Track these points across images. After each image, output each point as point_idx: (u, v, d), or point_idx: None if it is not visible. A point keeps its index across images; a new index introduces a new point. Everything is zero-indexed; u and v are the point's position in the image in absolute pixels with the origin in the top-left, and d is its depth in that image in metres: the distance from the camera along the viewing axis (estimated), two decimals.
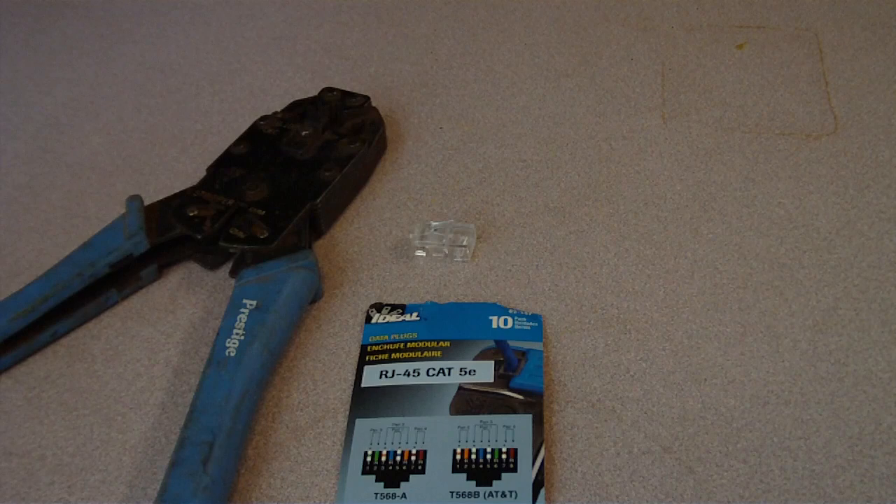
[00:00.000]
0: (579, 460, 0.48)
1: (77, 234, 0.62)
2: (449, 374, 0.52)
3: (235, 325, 0.52)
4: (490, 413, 0.50)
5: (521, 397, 0.50)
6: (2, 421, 0.52)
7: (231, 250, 0.57)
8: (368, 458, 0.48)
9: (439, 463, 0.48)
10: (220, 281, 0.59)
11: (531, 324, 0.54)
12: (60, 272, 0.55)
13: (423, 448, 0.48)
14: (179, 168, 0.67)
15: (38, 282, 0.54)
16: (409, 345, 0.54)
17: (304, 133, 0.63)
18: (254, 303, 0.53)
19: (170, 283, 0.59)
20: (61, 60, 0.79)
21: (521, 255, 0.59)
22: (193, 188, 0.60)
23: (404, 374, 0.52)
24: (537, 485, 0.46)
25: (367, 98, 0.67)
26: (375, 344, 0.54)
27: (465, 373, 0.52)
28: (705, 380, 0.52)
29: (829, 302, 0.55)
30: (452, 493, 0.46)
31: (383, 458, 0.48)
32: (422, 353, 0.53)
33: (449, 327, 0.54)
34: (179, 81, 0.75)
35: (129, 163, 0.68)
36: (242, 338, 0.51)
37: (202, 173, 0.62)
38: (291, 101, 0.68)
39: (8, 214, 0.64)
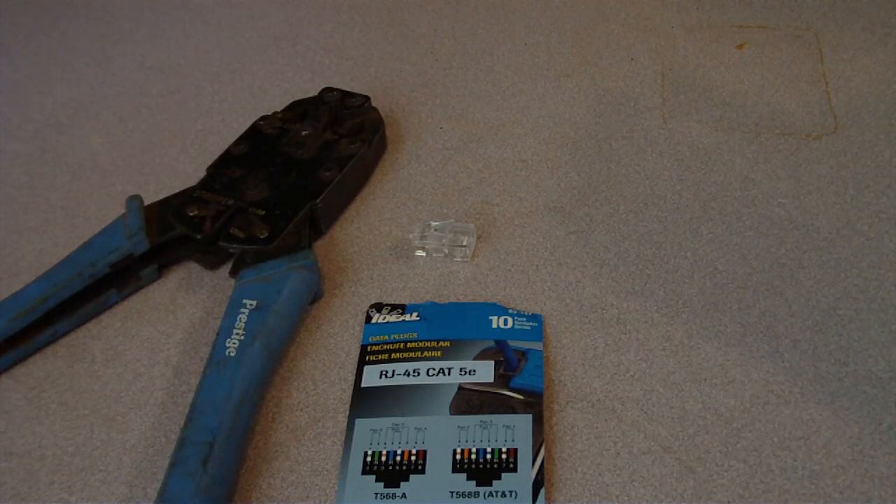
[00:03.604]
0: (579, 460, 0.48)
1: (77, 234, 0.62)
2: (449, 374, 0.52)
3: (235, 325, 0.52)
4: (490, 413, 0.50)
5: (521, 397, 0.50)
6: (2, 421, 0.52)
7: (231, 250, 0.57)
8: (368, 458, 0.48)
9: (439, 463, 0.48)
10: (220, 281, 0.59)
11: (531, 324, 0.54)
12: (60, 272, 0.55)
13: (423, 448, 0.48)
14: (179, 168, 0.67)
15: (38, 282, 0.54)
16: (409, 345, 0.54)
17: (304, 133, 0.63)
18: (254, 303, 0.53)
19: (170, 283, 0.59)
20: (61, 60, 0.79)
21: (521, 255, 0.59)
22: (193, 188, 0.60)
23: (404, 374, 0.52)
24: (537, 485, 0.46)
25: (367, 98, 0.67)
26: (375, 344, 0.54)
27: (465, 373, 0.52)
28: (705, 380, 0.52)
29: (829, 302, 0.55)
30: (452, 493, 0.46)
31: (383, 458, 0.48)
32: (422, 353, 0.53)
33: (449, 327, 0.54)
34: (179, 81, 0.75)
35: (129, 163, 0.68)
36: (242, 338, 0.51)
37: (202, 173, 0.62)
38: (291, 101, 0.68)
39: (8, 214, 0.64)
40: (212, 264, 0.59)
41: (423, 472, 0.47)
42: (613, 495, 0.47)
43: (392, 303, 0.57)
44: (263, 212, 0.58)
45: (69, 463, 0.50)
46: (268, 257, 0.55)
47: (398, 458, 0.48)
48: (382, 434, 0.49)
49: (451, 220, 0.60)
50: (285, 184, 0.60)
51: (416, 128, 0.69)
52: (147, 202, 0.59)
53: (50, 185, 0.67)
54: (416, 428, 0.49)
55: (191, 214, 0.57)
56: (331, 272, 0.59)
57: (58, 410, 0.52)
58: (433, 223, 0.60)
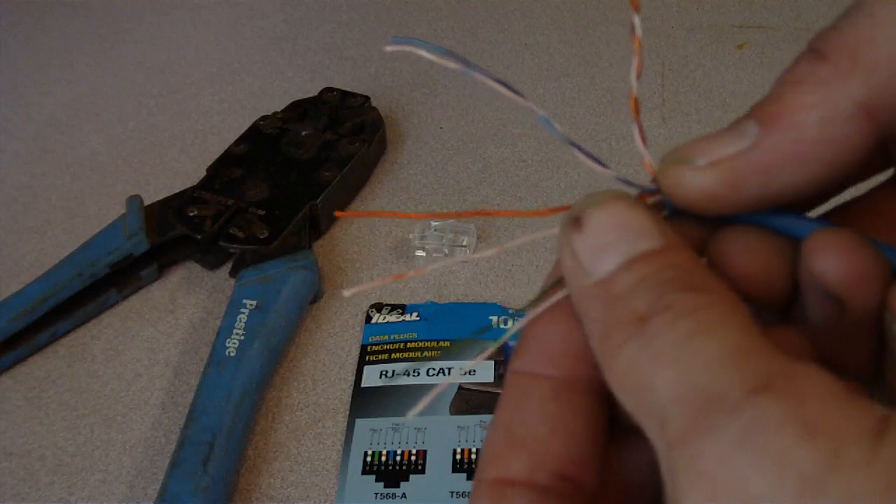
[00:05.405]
0: None
1: (77, 234, 0.62)
2: (449, 374, 0.52)
3: (235, 325, 0.52)
4: (490, 413, 0.50)
5: None
6: (2, 421, 0.52)
7: (231, 250, 0.57)
8: (368, 458, 0.48)
9: (439, 463, 0.48)
10: (220, 281, 0.59)
11: None
12: (60, 272, 0.55)
13: (423, 448, 0.48)
14: (179, 168, 0.67)
15: (38, 282, 0.54)
16: (409, 345, 0.54)
17: (304, 133, 0.63)
18: (254, 303, 0.53)
19: (170, 283, 0.59)
20: (61, 60, 0.79)
21: (521, 255, 0.59)
22: (193, 188, 0.60)
23: (404, 374, 0.52)
24: None
25: (367, 98, 0.67)
26: (375, 344, 0.54)
27: (465, 373, 0.52)
28: None
29: None
30: (452, 493, 0.46)
31: (383, 458, 0.48)
32: (422, 353, 0.53)
33: (449, 327, 0.54)
34: (179, 81, 0.75)
35: (129, 163, 0.68)
36: (242, 338, 0.51)
37: (202, 173, 0.62)
38: (291, 101, 0.68)
39: (8, 214, 0.64)
40: (212, 264, 0.59)
41: (423, 472, 0.47)
42: None
43: (392, 303, 0.57)
44: (263, 212, 0.58)
45: (69, 463, 0.50)
46: (268, 257, 0.55)
47: (398, 458, 0.48)
48: (382, 434, 0.49)
49: (452, 220, 0.60)
50: (285, 184, 0.60)
51: (416, 128, 0.69)
52: (147, 202, 0.59)
53: (50, 185, 0.67)
54: (416, 428, 0.49)
55: (191, 214, 0.57)
56: (331, 272, 0.59)
57: (58, 410, 0.52)
58: (433, 223, 0.60)
